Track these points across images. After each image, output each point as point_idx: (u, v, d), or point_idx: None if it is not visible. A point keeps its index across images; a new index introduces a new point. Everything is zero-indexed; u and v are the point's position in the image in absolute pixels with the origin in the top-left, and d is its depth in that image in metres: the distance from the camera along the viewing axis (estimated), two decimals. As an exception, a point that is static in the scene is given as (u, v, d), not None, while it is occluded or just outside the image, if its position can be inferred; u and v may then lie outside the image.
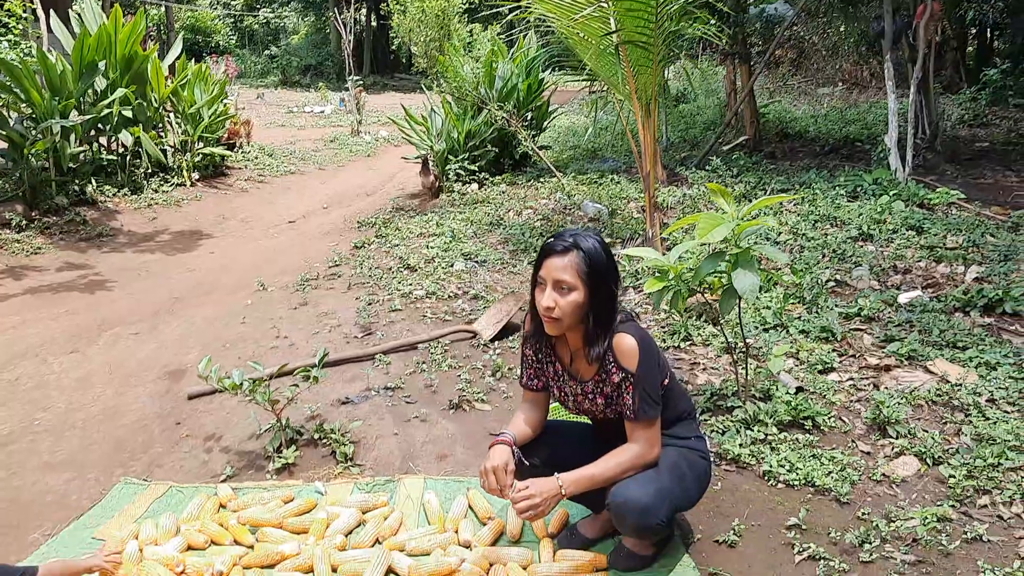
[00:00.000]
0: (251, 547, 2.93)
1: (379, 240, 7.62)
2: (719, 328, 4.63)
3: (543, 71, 10.78)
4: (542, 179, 9.51)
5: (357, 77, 18.33)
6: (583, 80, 6.83)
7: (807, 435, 3.52)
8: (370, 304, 5.69)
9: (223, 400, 4.24)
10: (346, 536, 2.95)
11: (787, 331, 4.66)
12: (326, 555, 2.78)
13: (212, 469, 3.65)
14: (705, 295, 3.93)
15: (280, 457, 3.60)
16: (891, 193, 6.99)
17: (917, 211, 6.65)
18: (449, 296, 5.80)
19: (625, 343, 2.61)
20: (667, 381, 2.71)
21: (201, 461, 3.73)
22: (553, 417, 3.01)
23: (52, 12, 9.76)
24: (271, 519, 3.05)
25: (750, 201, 5.62)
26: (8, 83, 8.30)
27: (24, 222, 8.12)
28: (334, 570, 2.75)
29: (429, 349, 4.80)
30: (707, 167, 8.66)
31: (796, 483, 3.20)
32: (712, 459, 2.94)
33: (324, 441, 3.75)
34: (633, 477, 2.58)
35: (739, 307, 3.69)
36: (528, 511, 2.53)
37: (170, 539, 2.96)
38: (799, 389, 3.93)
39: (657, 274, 3.54)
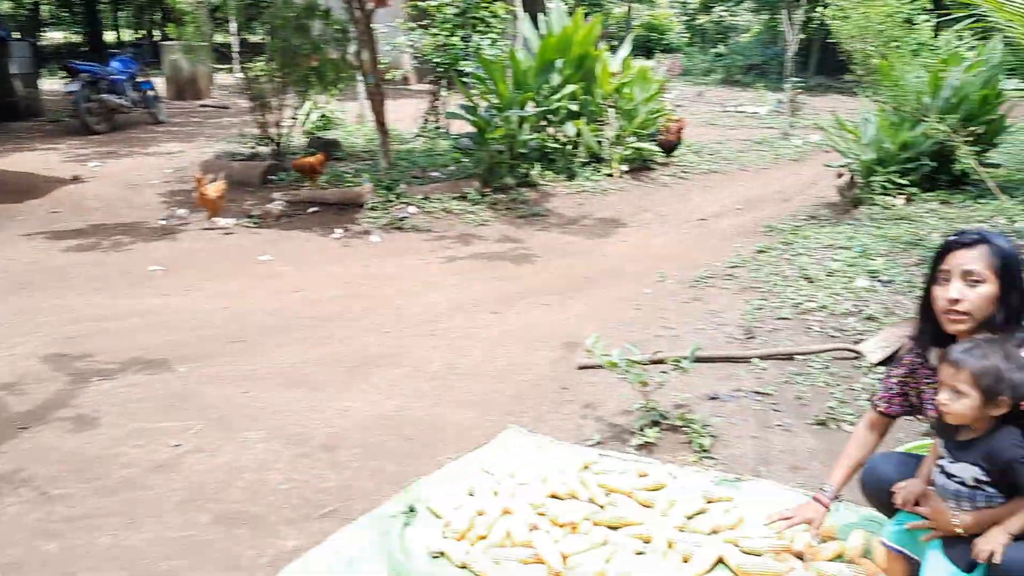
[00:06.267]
0: (602, 507, 3.10)
1: (783, 247, 7.12)
2: None
3: (1006, 80, 9.33)
4: (982, 200, 8.14)
5: (798, 79, 16.90)
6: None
7: None
8: (759, 309, 5.47)
9: (605, 375, 4.33)
10: (687, 519, 3.02)
11: None
12: (665, 531, 2.91)
13: (584, 433, 3.87)
14: None
15: (643, 435, 3.76)
16: None
17: None
18: (842, 313, 5.28)
19: None
20: None
21: (576, 424, 3.99)
22: None
23: (526, 15, 11.26)
24: (624, 488, 3.23)
25: None
26: (484, 76, 10.01)
27: (478, 196, 9.17)
28: (669, 546, 2.85)
29: (807, 362, 4.55)
30: None
31: None
32: None
33: (685, 429, 3.81)
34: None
35: None
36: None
37: (539, 484, 3.25)
38: None
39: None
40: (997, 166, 9.77)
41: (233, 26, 17.83)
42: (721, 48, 30.57)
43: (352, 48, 9.85)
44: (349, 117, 13.67)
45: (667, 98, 12.91)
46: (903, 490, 2.41)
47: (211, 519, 3.14)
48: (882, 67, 9.91)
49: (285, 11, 9.52)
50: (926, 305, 2.47)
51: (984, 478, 2.21)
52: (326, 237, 8.07)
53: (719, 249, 7.59)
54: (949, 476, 2.28)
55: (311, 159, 9.40)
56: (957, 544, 2.25)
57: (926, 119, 8.57)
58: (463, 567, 2.77)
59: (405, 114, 13.73)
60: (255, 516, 3.15)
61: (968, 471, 2.23)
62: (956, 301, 2.34)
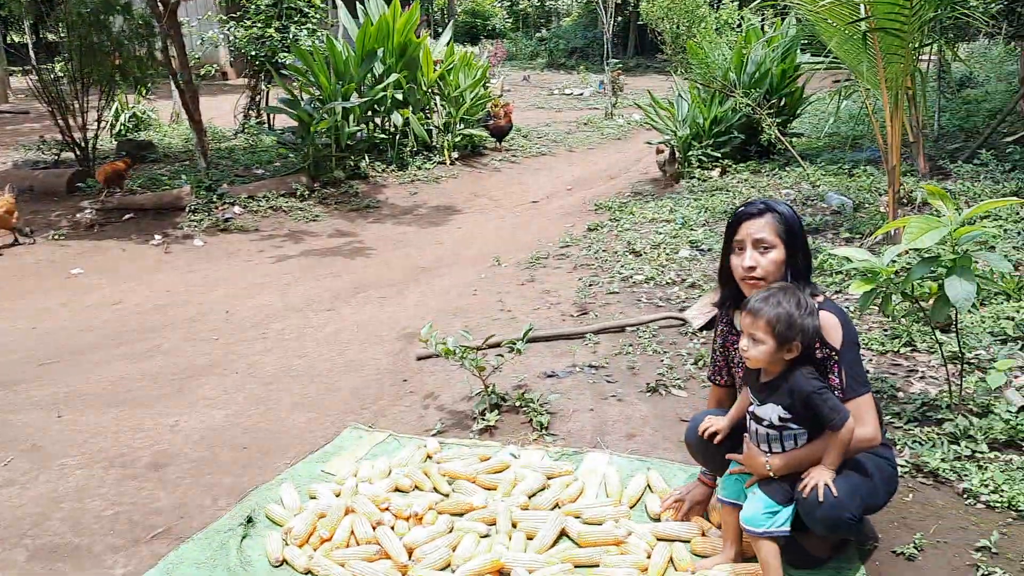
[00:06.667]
0: (447, 495, 3.14)
1: (612, 223, 7.63)
2: (949, 336, 4.02)
3: (800, 54, 10.09)
4: (788, 168, 8.90)
5: (616, 60, 17.79)
6: (826, 68, 6.83)
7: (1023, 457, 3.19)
8: (590, 285, 5.76)
9: (445, 364, 4.37)
10: (529, 497, 3.11)
11: None
12: (508, 512, 2.97)
13: (426, 423, 3.86)
14: (920, 302, 3.46)
15: (484, 420, 3.79)
16: None
17: None
18: (667, 282, 5.72)
19: (827, 319, 2.48)
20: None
21: (418, 415, 3.97)
22: None
23: (343, 4, 11.78)
24: (467, 474, 3.27)
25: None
26: (303, 68, 9.91)
27: (307, 192, 9.21)
28: (514, 525, 2.93)
29: (637, 332, 4.80)
30: (975, 161, 7.77)
31: (998, 505, 2.90)
32: (899, 468, 2.85)
33: (524, 409, 3.87)
34: None
35: (956, 316, 3.44)
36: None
37: (382, 479, 3.28)
38: None
39: (866, 275, 3.23)
40: (799, 135, 10.65)
41: (27, 24, 16.51)
42: (544, 32, 31.48)
43: (159, 44, 9.35)
44: (164, 116, 13.04)
45: (494, 83, 13.16)
46: (707, 420, 2.67)
47: (28, 556, 2.90)
48: (690, 46, 10.56)
49: (80, 7, 8.90)
50: (726, 272, 2.69)
51: (787, 415, 2.41)
52: (144, 244, 7.65)
53: (552, 230, 7.80)
54: (759, 421, 2.47)
55: (114, 164, 8.78)
56: (772, 482, 2.46)
57: (733, 94, 9.12)
58: (307, 573, 2.70)
59: (224, 110, 13.30)
60: (78, 547, 2.94)
61: (772, 411, 2.43)
62: (752, 268, 2.56)
